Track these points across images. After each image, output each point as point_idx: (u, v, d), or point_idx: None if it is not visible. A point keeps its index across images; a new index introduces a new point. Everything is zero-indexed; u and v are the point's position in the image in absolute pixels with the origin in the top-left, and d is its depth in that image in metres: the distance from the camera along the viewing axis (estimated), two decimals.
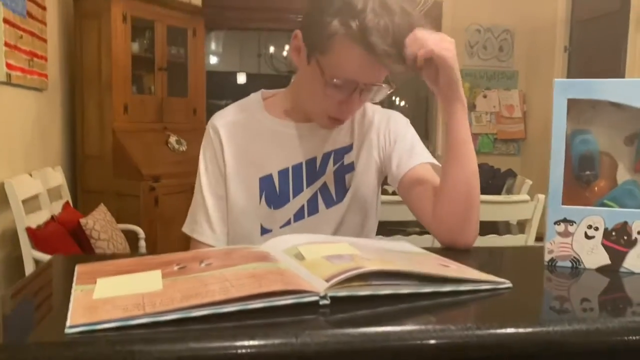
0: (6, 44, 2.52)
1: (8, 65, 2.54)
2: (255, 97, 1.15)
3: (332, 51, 0.95)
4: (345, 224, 1.09)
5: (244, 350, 0.51)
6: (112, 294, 0.61)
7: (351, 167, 1.09)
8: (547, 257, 0.83)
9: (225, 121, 1.12)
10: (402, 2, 0.94)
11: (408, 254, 0.79)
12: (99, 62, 3.38)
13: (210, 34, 6.01)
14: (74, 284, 0.66)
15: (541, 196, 2.40)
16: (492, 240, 2.39)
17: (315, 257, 0.69)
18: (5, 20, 2.51)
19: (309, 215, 1.07)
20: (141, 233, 3.18)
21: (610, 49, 3.64)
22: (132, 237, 3.11)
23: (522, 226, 2.78)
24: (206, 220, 1.08)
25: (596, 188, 0.82)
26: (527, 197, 2.43)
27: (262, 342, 0.52)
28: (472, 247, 0.99)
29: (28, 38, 2.78)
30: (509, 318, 0.61)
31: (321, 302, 0.59)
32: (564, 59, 4.19)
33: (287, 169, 1.07)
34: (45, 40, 3.04)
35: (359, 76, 0.96)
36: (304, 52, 1.01)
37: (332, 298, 0.59)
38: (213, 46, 7.45)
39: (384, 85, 0.99)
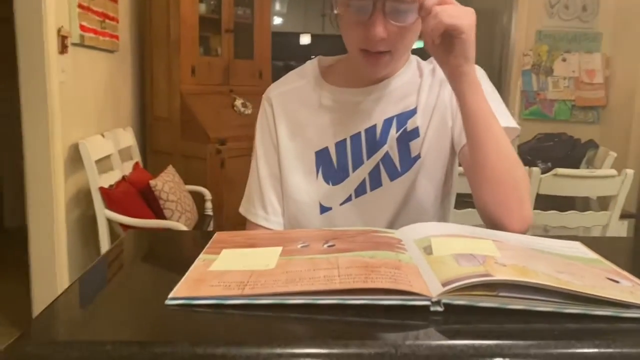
0: (80, 6, 2.54)
1: (82, 27, 2.57)
2: (311, 64, 1.07)
3: None
4: (413, 199, 0.99)
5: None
6: (227, 267, 0.62)
7: (416, 133, 0.99)
8: None
9: (278, 92, 1.05)
10: None
11: (569, 262, 0.65)
12: (167, 24, 3.37)
13: None
14: (202, 252, 0.68)
15: (630, 171, 2.23)
16: (571, 218, 2.25)
17: (444, 254, 0.61)
18: None
19: (371, 189, 0.98)
20: (208, 195, 3.22)
21: None
22: (198, 199, 3.16)
23: (602, 202, 2.61)
24: (260, 202, 1.04)
25: None
26: (614, 172, 2.26)
27: (357, 351, 0.46)
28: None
29: None
30: None
31: (432, 309, 0.52)
32: None
33: (344, 141, 0.99)
34: (116, 1, 3.06)
35: None
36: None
37: (448, 306, 0.52)
38: (277, 6, 7.36)
39: (410, 1, 0.85)
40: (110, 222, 2.58)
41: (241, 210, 1.08)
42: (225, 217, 3.36)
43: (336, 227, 0.94)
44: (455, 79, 0.86)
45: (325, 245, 0.68)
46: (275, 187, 1.03)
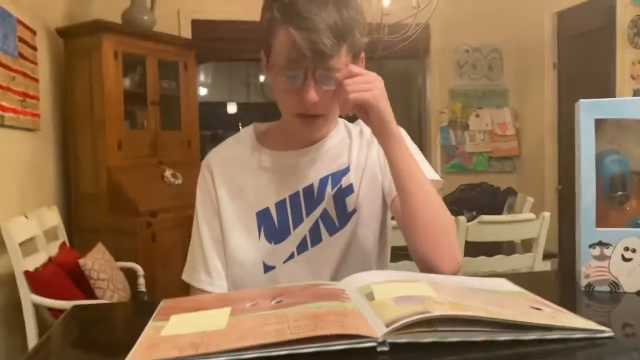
0: None
1: (1, 107, 2.51)
2: (247, 131, 1.12)
3: (272, 44, 0.95)
4: (352, 251, 1.03)
5: None
6: (178, 331, 0.63)
7: (351, 190, 1.05)
8: (583, 282, 0.81)
9: (217, 158, 1.10)
10: None
11: (497, 296, 0.71)
12: (91, 100, 3.35)
13: (200, 66, 6.03)
14: (151, 320, 0.68)
15: (546, 214, 2.39)
16: (499, 261, 2.36)
17: (385, 298, 0.65)
18: None
19: (312, 245, 1.03)
20: (140, 270, 3.12)
21: (599, 64, 3.68)
22: (131, 275, 3.05)
23: (526, 245, 2.76)
24: (203, 267, 1.05)
25: (628, 208, 0.80)
26: (533, 216, 2.41)
27: None
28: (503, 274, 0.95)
29: (20, 79, 2.76)
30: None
31: (379, 349, 0.55)
32: (553, 75, 4.23)
33: (284, 200, 1.04)
34: (37, 80, 3.02)
35: (295, 56, 0.91)
36: (265, 64, 1.01)
37: (393, 345, 0.55)
38: (202, 77, 7.47)
39: (336, 68, 0.92)
40: (37, 307, 2.44)
41: (184, 277, 1.07)
42: (160, 292, 3.25)
43: (281, 285, 0.96)
44: (380, 137, 0.95)
45: (273, 302, 0.70)
46: (218, 251, 1.05)
